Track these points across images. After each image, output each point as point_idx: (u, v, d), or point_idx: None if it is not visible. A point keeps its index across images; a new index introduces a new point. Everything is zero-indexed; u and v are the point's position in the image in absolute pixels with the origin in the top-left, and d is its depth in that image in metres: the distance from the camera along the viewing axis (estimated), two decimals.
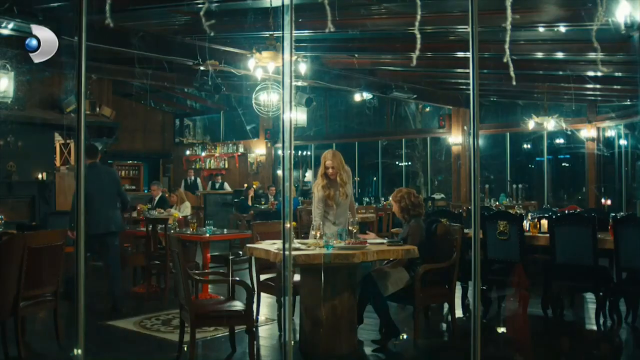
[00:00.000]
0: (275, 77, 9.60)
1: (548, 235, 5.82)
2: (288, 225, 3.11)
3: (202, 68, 8.55)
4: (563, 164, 17.53)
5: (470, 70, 3.00)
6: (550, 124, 11.00)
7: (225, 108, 19.10)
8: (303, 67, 7.05)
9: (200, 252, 7.54)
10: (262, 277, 5.96)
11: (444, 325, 6.12)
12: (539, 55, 8.63)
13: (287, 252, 3.11)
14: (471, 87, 3.05)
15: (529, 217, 6.41)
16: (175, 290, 5.77)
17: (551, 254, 5.78)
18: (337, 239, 4.94)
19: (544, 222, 6.29)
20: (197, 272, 5.36)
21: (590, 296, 6.76)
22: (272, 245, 4.98)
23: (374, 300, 5.35)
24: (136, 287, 7.81)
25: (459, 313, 6.01)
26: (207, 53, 8.52)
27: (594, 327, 5.74)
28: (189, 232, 7.14)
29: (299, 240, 5.23)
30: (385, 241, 5.15)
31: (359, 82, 11.33)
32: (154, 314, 6.35)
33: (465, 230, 5.66)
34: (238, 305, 4.56)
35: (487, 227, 6.08)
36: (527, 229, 6.23)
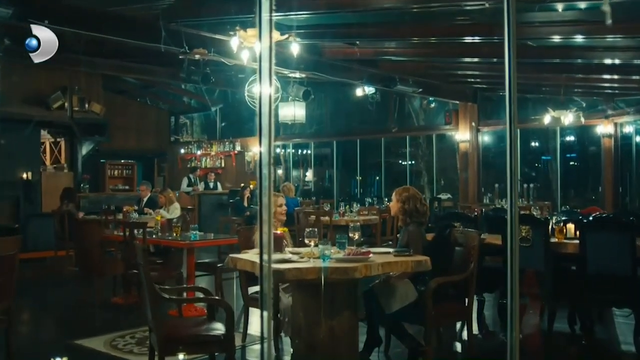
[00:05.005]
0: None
1: (578, 242, 5.08)
2: (266, 237, 2.38)
3: (189, 57, 7.82)
4: (571, 163, 16.79)
5: (506, 49, 2.25)
6: (568, 118, 10.20)
7: (220, 104, 18.37)
8: (295, 48, 6.28)
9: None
10: (251, 289, 5.24)
11: (459, 345, 5.37)
12: (556, 39, 7.75)
13: (265, 264, 2.41)
14: (507, 67, 2.30)
15: (554, 221, 5.65)
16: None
17: (581, 263, 5.04)
18: (335, 248, 4.23)
19: (570, 226, 5.56)
20: (168, 287, 4.62)
21: (621, 311, 6.00)
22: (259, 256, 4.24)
23: (379, 319, 4.64)
24: (115, 298, 7.10)
25: (474, 329, 5.27)
26: (195, 41, 7.79)
27: (632, 348, 4.99)
28: (170, 237, 6.43)
29: (290, 249, 4.50)
30: (391, 250, 4.41)
31: (361, 75, 10.57)
32: (130, 330, 5.62)
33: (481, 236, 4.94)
34: (217, 328, 3.82)
35: (506, 232, 5.33)
36: (551, 234, 5.49)
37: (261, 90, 2.05)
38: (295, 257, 4.10)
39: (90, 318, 6.31)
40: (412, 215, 4.77)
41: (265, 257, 2.29)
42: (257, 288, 5.18)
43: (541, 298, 5.34)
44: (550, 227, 5.40)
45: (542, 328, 5.48)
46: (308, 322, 4.12)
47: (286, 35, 5.75)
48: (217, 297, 4.00)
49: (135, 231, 6.57)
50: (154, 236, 6.74)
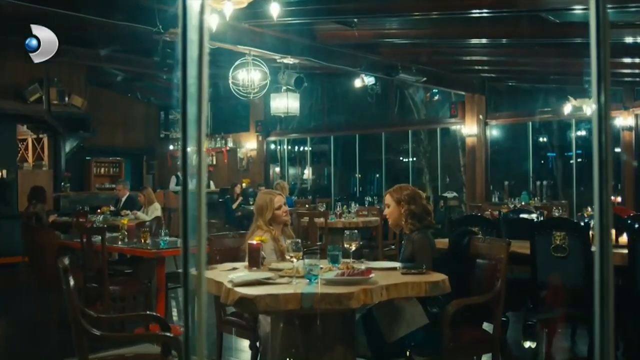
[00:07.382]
0: (257, 52, 7.95)
1: (625, 251, 4.15)
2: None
3: (164, 38, 6.88)
4: (579, 160, 15.84)
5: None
6: (592, 107, 9.18)
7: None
8: (275, 8, 5.28)
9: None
10: (228, 310, 4.29)
11: None
12: (577, 10, 6.70)
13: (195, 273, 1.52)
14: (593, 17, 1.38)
15: (591, 225, 4.71)
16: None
17: (630, 277, 4.11)
18: (326, 263, 3.30)
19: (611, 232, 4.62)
20: (105, 316, 3.68)
21: None
22: (228, 273, 3.31)
23: (381, 349, 3.70)
24: None
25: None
26: (171, 19, 6.85)
27: None
28: (136, 244, 5.49)
29: (274, 265, 3.56)
30: (398, 266, 3.47)
31: (359, 62, 9.61)
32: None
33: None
34: None
35: (536, 239, 4.41)
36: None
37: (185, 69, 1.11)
38: (273, 274, 3.18)
39: (42, 341, 5.38)
40: (419, 219, 3.81)
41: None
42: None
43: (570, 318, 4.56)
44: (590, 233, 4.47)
45: (578, 352, 4.63)
46: (291, 359, 3.20)
47: None
48: (166, 334, 3.06)
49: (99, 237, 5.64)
50: (119, 242, 5.80)
